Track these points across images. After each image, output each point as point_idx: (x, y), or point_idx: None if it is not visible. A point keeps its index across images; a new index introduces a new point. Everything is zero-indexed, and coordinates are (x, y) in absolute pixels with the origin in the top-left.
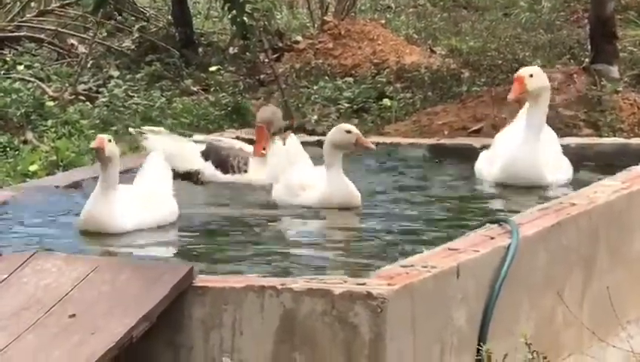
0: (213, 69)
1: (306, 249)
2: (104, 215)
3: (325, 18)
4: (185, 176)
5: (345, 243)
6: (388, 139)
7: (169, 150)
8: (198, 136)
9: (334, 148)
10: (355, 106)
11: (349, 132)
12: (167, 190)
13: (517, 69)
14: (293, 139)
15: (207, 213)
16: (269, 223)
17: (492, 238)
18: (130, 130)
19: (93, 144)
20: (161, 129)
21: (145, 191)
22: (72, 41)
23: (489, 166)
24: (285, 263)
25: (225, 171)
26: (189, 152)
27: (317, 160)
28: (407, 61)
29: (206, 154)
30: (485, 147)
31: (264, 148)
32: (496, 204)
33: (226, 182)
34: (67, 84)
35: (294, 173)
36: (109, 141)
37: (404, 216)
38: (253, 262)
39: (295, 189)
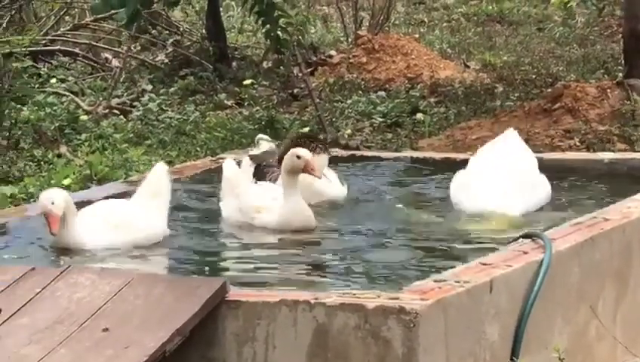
0: (246, 82)
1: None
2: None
3: (359, 32)
4: None
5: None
6: (421, 154)
7: None
8: None
9: (288, 173)
10: (388, 121)
11: (299, 157)
12: (158, 207)
13: (551, 84)
14: (230, 163)
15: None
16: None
17: (525, 253)
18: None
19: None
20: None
21: (121, 211)
22: (106, 55)
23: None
24: None
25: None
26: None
27: (351, 173)
28: (441, 75)
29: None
30: None
31: None
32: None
33: None
34: (101, 98)
35: (247, 196)
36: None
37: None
38: None
39: (250, 212)
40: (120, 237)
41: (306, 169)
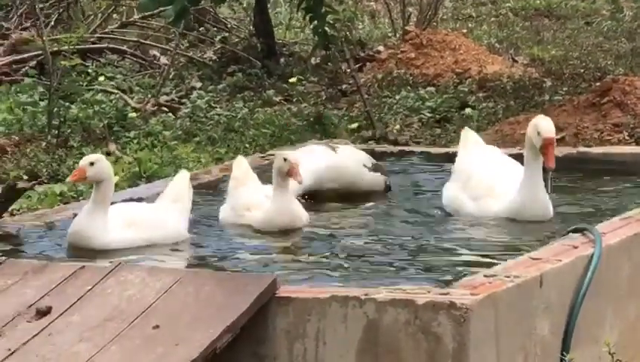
0: (294, 79)
1: None
2: (89, 231)
3: (407, 28)
4: None
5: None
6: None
7: None
8: None
9: (276, 174)
10: (437, 116)
11: (285, 160)
12: (178, 211)
13: (599, 78)
14: (241, 161)
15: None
16: None
17: (575, 247)
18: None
19: (69, 178)
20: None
21: (140, 211)
22: (154, 52)
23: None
24: None
25: None
26: None
27: (397, 171)
28: (489, 70)
29: None
30: (567, 156)
31: None
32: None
33: None
34: (149, 96)
35: (241, 194)
36: (91, 165)
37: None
38: None
39: (240, 210)
40: (137, 236)
41: (290, 173)
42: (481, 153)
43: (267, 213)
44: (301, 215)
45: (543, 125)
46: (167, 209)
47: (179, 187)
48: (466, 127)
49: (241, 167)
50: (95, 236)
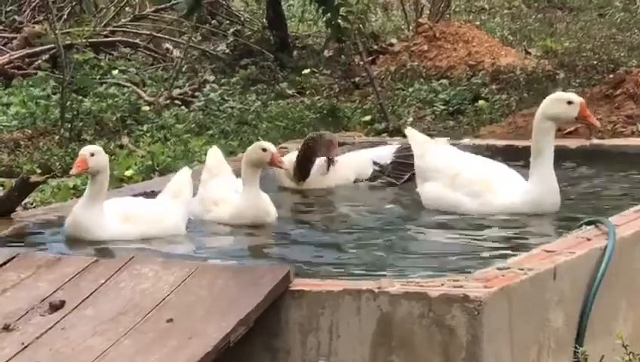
0: (307, 71)
1: None
2: (87, 223)
3: (420, 20)
4: None
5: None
6: (483, 141)
7: None
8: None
9: (250, 166)
10: (450, 108)
11: (264, 150)
12: (177, 206)
13: (612, 70)
14: (215, 152)
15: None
16: None
17: (588, 240)
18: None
19: (73, 170)
20: None
21: (137, 205)
22: (167, 45)
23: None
24: None
25: None
26: None
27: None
28: (502, 63)
29: None
30: (580, 148)
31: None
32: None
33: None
34: (162, 89)
35: (211, 188)
36: (92, 155)
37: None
38: None
39: (208, 205)
40: (133, 230)
41: (273, 162)
42: (444, 149)
43: (236, 207)
44: (269, 210)
45: (571, 94)
46: (166, 204)
47: (181, 183)
48: (408, 126)
49: (215, 157)
50: (92, 228)
